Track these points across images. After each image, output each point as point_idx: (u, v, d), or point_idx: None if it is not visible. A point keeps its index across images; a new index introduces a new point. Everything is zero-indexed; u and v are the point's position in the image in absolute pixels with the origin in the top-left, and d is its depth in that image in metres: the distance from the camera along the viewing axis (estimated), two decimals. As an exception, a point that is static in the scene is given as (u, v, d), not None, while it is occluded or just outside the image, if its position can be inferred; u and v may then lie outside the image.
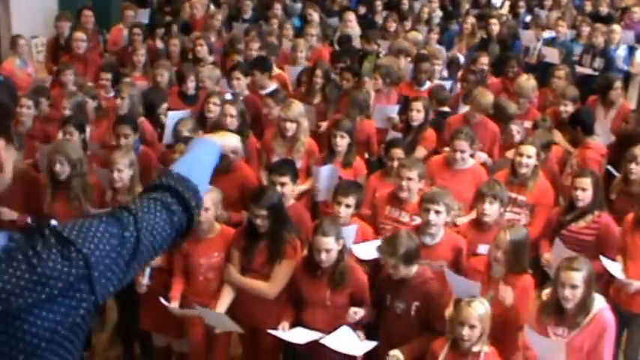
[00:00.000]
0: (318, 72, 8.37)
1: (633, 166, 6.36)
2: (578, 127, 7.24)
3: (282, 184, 5.75)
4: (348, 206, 5.63)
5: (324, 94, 8.32)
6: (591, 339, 4.74)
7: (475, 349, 4.59)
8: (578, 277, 4.64)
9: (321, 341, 4.96)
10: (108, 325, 7.00)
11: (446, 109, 8.24)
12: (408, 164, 5.98)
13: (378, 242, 5.59)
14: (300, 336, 5.06)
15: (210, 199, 5.31)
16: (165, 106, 7.77)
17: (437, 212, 5.40)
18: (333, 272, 5.09)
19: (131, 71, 9.11)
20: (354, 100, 7.77)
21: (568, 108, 7.95)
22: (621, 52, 11.22)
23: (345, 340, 4.99)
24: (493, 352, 4.69)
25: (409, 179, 5.88)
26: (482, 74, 9.16)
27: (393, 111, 7.96)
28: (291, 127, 6.75)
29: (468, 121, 7.62)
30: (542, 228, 6.25)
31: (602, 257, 5.41)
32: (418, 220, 5.76)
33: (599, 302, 4.82)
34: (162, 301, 5.36)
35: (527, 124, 7.95)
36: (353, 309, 5.02)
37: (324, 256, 4.98)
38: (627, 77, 10.38)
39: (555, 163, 7.18)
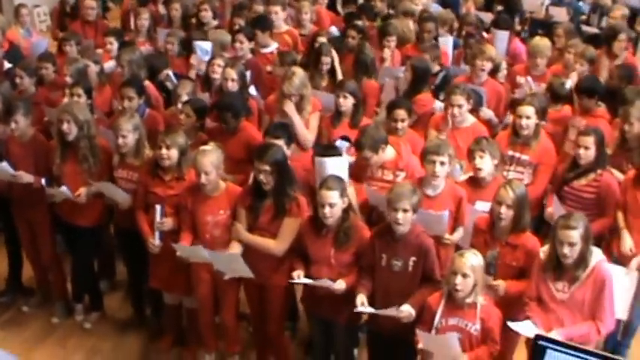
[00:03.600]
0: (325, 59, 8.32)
1: (627, 127, 6.34)
2: (585, 95, 7.18)
3: None
4: None
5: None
6: (592, 292, 4.83)
7: (469, 300, 4.68)
8: (575, 235, 4.72)
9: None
10: (118, 288, 7.16)
11: (437, 67, 8.19)
12: (357, 144, 5.95)
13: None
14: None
15: (210, 161, 5.39)
16: (167, 71, 7.82)
17: (442, 163, 5.50)
18: (337, 231, 5.16)
19: (135, 36, 9.13)
20: (358, 60, 7.82)
21: (584, 68, 7.93)
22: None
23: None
24: (489, 304, 4.79)
25: (365, 159, 5.90)
26: (479, 34, 9.15)
27: (400, 72, 7.98)
28: (294, 99, 6.75)
29: (472, 81, 7.64)
30: (543, 187, 6.31)
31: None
32: (402, 175, 5.89)
33: (597, 255, 4.90)
34: (172, 244, 5.50)
35: (543, 86, 7.90)
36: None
37: (327, 210, 5.04)
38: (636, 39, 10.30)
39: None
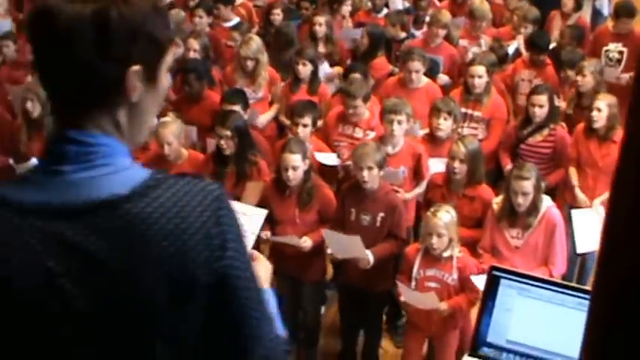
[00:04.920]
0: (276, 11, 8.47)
1: (580, 78, 6.60)
2: (536, 50, 7.46)
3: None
4: (305, 125, 5.85)
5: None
6: (545, 237, 5.07)
7: (446, 254, 4.83)
8: (528, 185, 4.97)
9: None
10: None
11: (403, 34, 8.42)
12: (350, 92, 6.16)
13: (334, 154, 5.95)
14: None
15: (171, 132, 5.55)
16: None
17: (399, 122, 5.66)
18: (300, 192, 5.30)
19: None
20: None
21: (528, 30, 8.19)
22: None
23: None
24: (465, 255, 4.95)
25: (355, 107, 6.11)
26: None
27: (357, 34, 8.16)
28: (250, 63, 6.91)
29: (428, 44, 7.85)
30: (497, 141, 6.52)
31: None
32: (372, 135, 6.04)
33: (547, 201, 5.15)
34: None
35: (485, 41, 8.19)
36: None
37: (290, 173, 5.16)
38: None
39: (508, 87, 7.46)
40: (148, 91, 1.57)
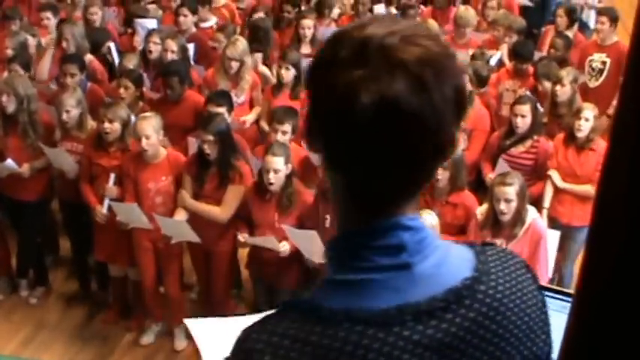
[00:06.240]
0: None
1: (559, 87, 6.56)
2: (520, 59, 7.43)
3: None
4: (284, 133, 5.78)
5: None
6: (529, 247, 5.02)
7: None
8: (511, 191, 4.91)
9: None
10: (63, 263, 7.12)
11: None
12: None
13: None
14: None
15: (151, 125, 5.44)
16: (108, 44, 7.80)
17: None
18: (281, 197, 5.26)
19: (72, 11, 9.05)
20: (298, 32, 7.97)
21: (513, 39, 8.12)
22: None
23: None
24: None
25: None
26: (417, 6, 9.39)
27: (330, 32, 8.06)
28: (235, 65, 6.84)
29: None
30: (479, 151, 6.48)
31: None
32: None
33: (532, 213, 5.11)
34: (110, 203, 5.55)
35: (471, 51, 8.14)
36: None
37: (272, 176, 5.13)
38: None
39: (493, 97, 7.35)
40: None
